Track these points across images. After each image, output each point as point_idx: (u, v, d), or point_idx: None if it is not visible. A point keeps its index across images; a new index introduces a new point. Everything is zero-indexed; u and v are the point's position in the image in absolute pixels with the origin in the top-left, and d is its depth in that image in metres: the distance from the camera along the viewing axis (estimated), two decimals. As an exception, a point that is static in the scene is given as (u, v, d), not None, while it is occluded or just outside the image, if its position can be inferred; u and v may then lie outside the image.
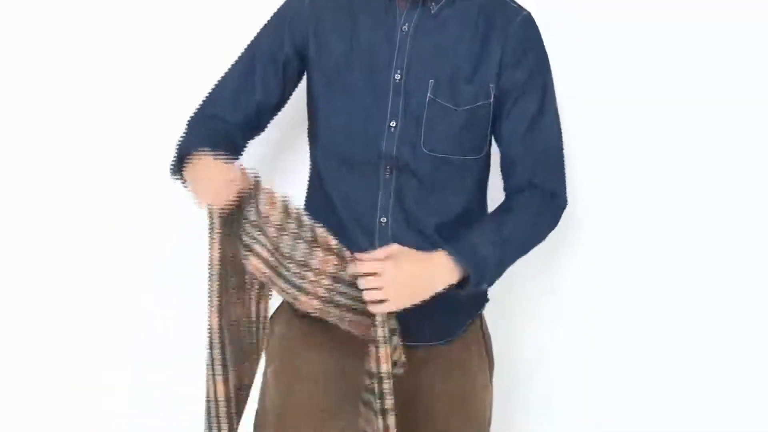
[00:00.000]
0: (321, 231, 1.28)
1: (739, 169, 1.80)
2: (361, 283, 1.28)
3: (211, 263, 1.32)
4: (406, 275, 1.28)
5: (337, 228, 1.35)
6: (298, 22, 1.44)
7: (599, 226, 1.86)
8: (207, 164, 1.32)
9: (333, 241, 1.28)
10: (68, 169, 1.87)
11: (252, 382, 1.44)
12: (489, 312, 1.58)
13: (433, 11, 1.40)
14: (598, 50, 1.78)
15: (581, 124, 1.74)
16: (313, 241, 1.28)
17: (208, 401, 1.37)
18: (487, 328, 1.58)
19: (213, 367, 1.35)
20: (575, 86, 1.68)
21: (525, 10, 1.43)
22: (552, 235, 1.46)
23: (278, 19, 1.47)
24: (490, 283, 1.40)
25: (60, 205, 1.88)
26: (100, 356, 1.94)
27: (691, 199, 1.82)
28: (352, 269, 1.28)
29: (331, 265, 1.29)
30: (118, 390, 1.94)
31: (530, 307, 1.93)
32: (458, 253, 1.32)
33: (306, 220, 1.28)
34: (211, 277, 1.32)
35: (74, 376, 1.94)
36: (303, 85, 1.49)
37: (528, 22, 1.42)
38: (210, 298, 1.33)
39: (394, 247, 1.30)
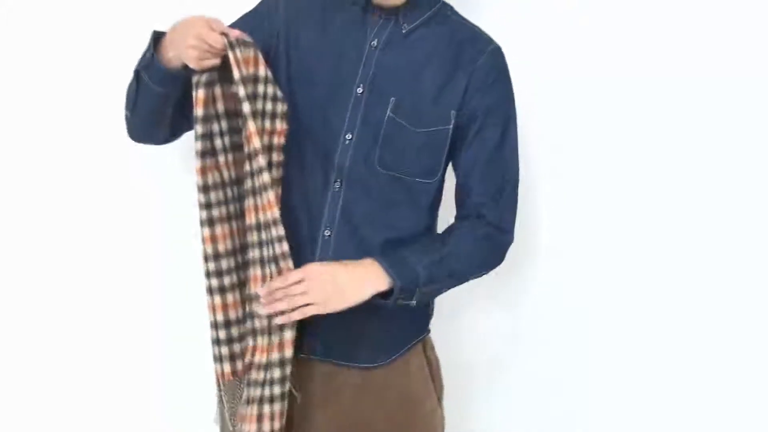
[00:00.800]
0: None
1: (698, 192, 1.85)
2: (288, 291, 1.27)
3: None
4: (332, 277, 1.28)
5: None
6: (271, 22, 1.44)
7: (559, 242, 1.90)
8: (186, 19, 1.30)
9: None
10: (68, 169, 1.88)
11: None
12: (446, 326, 1.57)
13: (404, 31, 1.40)
14: (561, 84, 1.82)
15: (545, 145, 1.82)
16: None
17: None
18: (433, 352, 1.54)
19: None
20: (541, 113, 1.76)
21: (495, 42, 1.44)
22: (516, 250, 1.48)
23: (250, 17, 1.46)
24: (419, 302, 1.37)
25: (60, 205, 1.89)
26: (100, 356, 1.94)
27: (650, 217, 1.86)
28: (274, 284, 1.28)
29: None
30: (118, 390, 1.95)
31: (486, 321, 1.96)
32: (388, 262, 1.31)
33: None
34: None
35: (75, 376, 1.95)
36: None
37: (497, 54, 1.43)
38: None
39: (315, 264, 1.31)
